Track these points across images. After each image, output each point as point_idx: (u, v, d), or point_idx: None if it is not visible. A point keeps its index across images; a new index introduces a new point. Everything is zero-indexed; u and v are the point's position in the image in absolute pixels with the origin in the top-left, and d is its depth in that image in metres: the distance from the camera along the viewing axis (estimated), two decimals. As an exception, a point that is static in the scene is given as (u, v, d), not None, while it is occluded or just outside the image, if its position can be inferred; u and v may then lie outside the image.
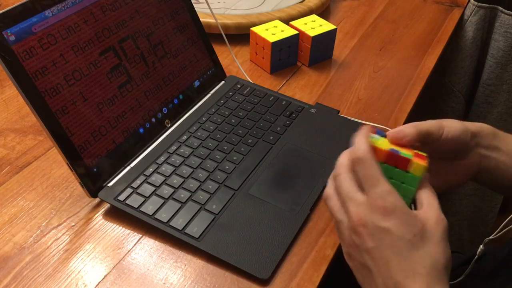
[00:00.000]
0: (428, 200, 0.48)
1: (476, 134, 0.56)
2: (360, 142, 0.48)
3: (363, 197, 0.47)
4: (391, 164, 0.49)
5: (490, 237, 0.56)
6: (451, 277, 0.61)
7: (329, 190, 0.50)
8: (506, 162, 0.57)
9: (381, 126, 0.76)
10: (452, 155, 0.57)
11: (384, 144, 0.50)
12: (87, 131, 0.61)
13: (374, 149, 0.48)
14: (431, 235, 0.45)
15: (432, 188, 0.49)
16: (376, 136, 0.51)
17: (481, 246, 0.57)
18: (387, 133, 0.52)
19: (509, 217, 0.54)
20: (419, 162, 0.48)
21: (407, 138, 0.51)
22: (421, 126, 0.53)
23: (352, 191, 0.47)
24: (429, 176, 0.50)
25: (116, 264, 0.56)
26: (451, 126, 0.54)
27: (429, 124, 0.54)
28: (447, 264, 0.45)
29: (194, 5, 0.79)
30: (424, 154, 0.50)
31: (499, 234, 0.55)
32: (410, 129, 0.52)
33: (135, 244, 0.58)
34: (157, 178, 0.63)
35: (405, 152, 0.49)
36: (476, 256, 0.57)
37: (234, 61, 0.88)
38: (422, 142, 0.53)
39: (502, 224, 0.54)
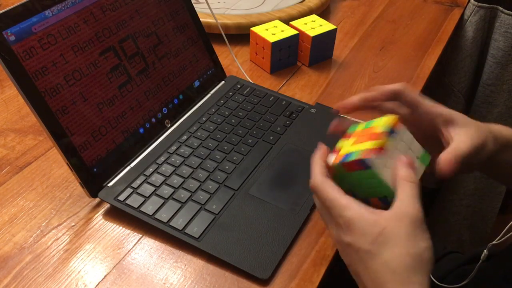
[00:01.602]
0: (398, 195, 0.47)
1: (483, 148, 0.53)
2: (312, 171, 0.51)
3: (331, 217, 0.49)
4: (353, 170, 0.50)
5: (494, 242, 0.55)
6: (452, 279, 0.61)
7: (317, 207, 0.53)
8: None
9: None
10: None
11: (347, 144, 0.53)
12: (87, 131, 0.61)
13: (329, 168, 0.52)
14: (391, 237, 0.45)
15: (403, 179, 0.48)
16: (351, 129, 0.55)
17: (485, 251, 0.57)
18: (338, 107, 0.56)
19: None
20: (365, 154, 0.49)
21: (350, 105, 0.55)
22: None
23: (324, 209, 0.51)
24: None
25: (116, 264, 0.56)
26: (461, 146, 0.52)
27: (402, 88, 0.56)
28: (420, 257, 0.44)
29: (194, 5, 0.79)
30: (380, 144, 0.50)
31: (502, 239, 0.54)
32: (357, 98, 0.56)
33: (135, 244, 0.58)
34: (157, 178, 0.63)
35: (358, 149, 0.50)
36: (481, 261, 0.57)
37: (234, 61, 0.88)
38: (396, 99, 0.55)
39: (505, 229, 0.54)
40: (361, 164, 0.49)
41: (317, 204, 0.52)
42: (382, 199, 0.50)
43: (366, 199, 0.50)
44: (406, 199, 0.46)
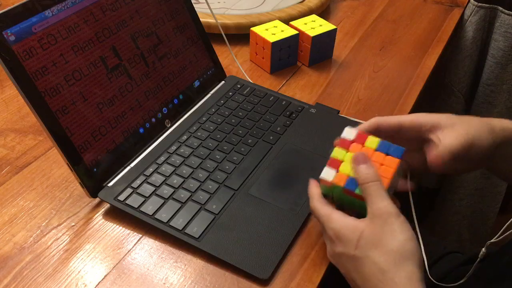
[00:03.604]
0: (367, 199, 0.50)
1: (474, 143, 0.53)
2: (310, 194, 0.55)
3: (326, 232, 0.52)
4: (353, 196, 0.52)
5: (492, 241, 0.55)
6: (452, 279, 0.61)
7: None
8: None
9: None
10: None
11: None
12: (87, 131, 0.61)
13: (326, 182, 0.54)
14: (370, 238, 0.47)
15: (363, 183, 0.50)
16: (346, 134, 0.56)
17: (483, 249, 0.57)
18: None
19: (510, 220, 0.54)
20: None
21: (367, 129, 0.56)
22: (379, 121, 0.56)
23: (322, 227, 0.54)
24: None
25: (116, 264, 0.56)
26: (447, 144, 0.52)
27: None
28: (403, 249, 0.46)
29: (194, 5, 0.79)
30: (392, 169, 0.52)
31: (500, 237, 0.55)
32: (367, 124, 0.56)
33: (135, 244, 0.58)
34: (157, 178, 0.63)
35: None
36: (478, 259, 0.57)
37: (234, 61, 0.88)
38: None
39: (504, 227, 0.54)
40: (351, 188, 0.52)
41: (320, 225, 0.55)
42: None
43: (360, 212, 0.52)
44: (375, 200, 0.49)
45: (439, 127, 0.53)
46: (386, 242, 0.46)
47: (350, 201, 0.53)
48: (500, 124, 0.55)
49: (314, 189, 0.55)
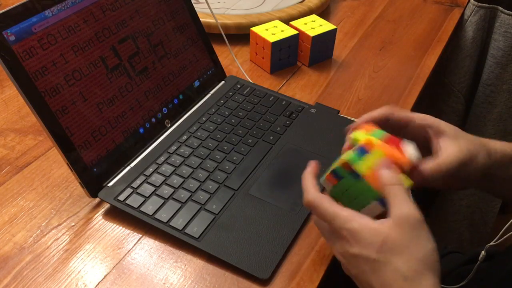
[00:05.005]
0: (390, 201, 0.47)
1: (472, 161, 0.53)
2: (305, 188, 0.51)
3: (332, 230, 0.49)
4: (334, 183, 0.51)
5: (491, 243, 0.55)
6: (453, 279, 0.61)
7: (315, 216, 0.52)
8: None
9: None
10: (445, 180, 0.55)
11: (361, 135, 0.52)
12: (87, 131, 0.61)
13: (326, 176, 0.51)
14: (396, 244, 0.45)
15: (389, 184, 0.48)
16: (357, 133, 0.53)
17: (482, 252, 0.57)
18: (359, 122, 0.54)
19: (510, 222, 0.54)
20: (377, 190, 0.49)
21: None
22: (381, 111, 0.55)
23: (323, 223, 0.50)
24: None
25: (116, 264, 0.56)
26: (446, 156, 0.52)
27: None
28: (428, 259, 0.45)
29: (194, 5, 0.79)
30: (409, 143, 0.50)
31: (500, 240, 0.55)
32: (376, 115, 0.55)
33: (135, 244, 0.58)
34: (157, 178, 0.63)
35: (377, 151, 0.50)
36: (478, 262, 0.57)
37: (234, 61, 0.88)
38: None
39: (503, 230, 0.54)
40: (335, 176, 0.50)
41: (315, 219, 0.52)
42: (378, 201, 0.50)
43: (363, 208, 0.51)
44: (399, 203, 0.46)
45: (444, 134, 0.53)
46: (412, 250, 0.45)
47: (343, 191, 0.51)
48: (494, 146, 0.55)
49: (308, 176, 0.52)
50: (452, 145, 0.52)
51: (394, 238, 0.45)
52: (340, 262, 0.50)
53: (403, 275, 0.44)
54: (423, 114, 0.56)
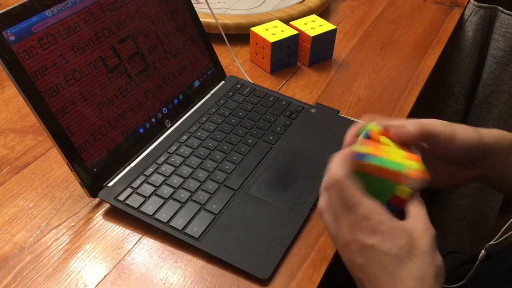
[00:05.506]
0: (415, 210, 0.48)
1: (490, 148, 0.54)
2: (335, 165, 0.47)
3: (351, 216, 0.47)
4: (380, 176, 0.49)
5: (491, 243, 0.55)
6: (453, 279, 0.61)
7: (322, 203, 0.50)
8: None
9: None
10: (456, 164, 0.55)
11: (375, 132, 0.50)
12: (87, 131, 0.61)
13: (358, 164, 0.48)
14: (418, 246, 0.45)
15: (420, 198, 0.48)
16: (372, 125, 0.51)
17: (482, 251, 0.57)
18: (388, 126, 0.51)
19: (510, 221, 0.54)
20: (405, 188, 0.48)
21: (408, 136, 0.51)
22: (427, 126, 0.52)
23: (343, 207, 0.47)
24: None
25: (116, 264, 0.56)
26: (463, 136, 0.52)
27: (438, 127, 0.52)
28: (438, 272, 0.45)
29: (194, 5, 0.79)
30: (418, 156, 0.49)
31: (500, 239, 0.54)
32: (413, 127, 0.51)
33: (135, 244, 0.58)
34: (157, 178, 0.63)
35: (395, 161, 0.48)
36: (478, 261, 0.57)
37: (234, 61, 0.88)
38: (426, 142, 0.52)
39: (503, 229, 0.54)
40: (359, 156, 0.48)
41: (330, 199, 0.48)
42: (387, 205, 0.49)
43: (387, 198, 0.50)
44: (424, 216, 0.47)
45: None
46: (431, 256, 0.45)
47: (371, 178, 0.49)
48: (489, 131, 0.55)
49: (344, 157, 0.48)
50: (468, 131, 0.53)
51: (417, 240, 0.45)
52: (340, 253, 0.50)
53: (420, 276, 0.44)
54: (464, 129, 0.54)
